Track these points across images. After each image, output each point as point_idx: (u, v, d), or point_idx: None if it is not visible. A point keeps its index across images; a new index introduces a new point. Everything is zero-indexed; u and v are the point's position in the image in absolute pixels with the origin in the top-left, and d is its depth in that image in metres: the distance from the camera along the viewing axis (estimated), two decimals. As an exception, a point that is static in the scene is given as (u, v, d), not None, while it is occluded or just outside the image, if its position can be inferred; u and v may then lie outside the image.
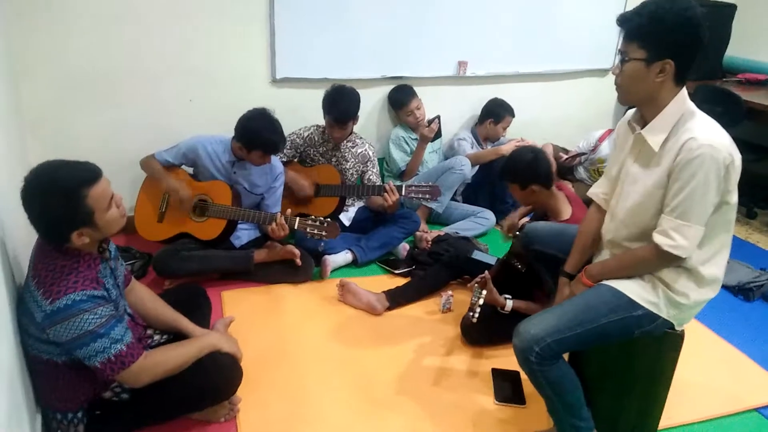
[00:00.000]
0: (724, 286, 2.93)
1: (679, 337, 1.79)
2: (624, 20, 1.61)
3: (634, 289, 1.71)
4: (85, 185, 1.51)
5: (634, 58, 1.60)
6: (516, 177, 2.41)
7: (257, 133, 2.64)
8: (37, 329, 1.55)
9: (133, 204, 2.88)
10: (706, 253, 1.67)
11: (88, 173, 1.54)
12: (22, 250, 1.88)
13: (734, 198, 1.63)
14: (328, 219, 2.60)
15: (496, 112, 3.70)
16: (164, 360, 1.70)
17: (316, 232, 2.58)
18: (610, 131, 3.75)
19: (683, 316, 1.74)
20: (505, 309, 2.30)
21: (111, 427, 1.77)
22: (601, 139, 3.77)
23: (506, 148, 3.52)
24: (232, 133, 2.77)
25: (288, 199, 3.06)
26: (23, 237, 1.95)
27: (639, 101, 1.69)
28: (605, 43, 4.01)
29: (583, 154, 3.78)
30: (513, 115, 3.71)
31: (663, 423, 1.96)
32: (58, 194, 1.49)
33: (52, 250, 1.57)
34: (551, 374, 1.71)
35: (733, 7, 4.19)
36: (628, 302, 1.70)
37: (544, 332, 1.67)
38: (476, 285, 2.30)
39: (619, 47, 1.66)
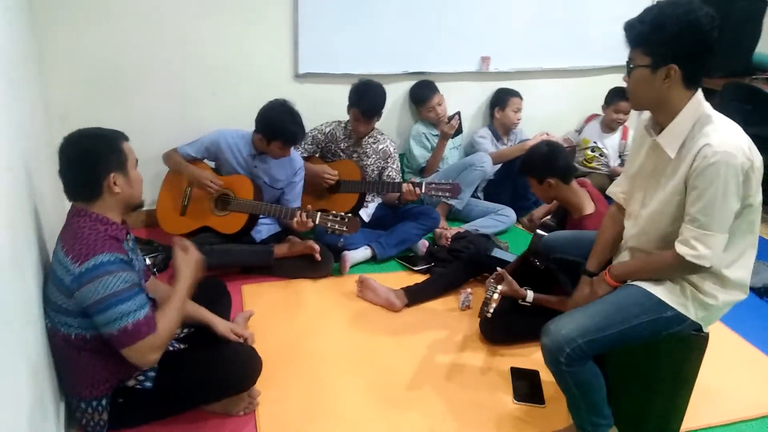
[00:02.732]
0: (750, 288, 2.87)
1: (704, 339, 1.76)
2: (628, 27, 1.60)
3: (663, 290, 1.69)
4: (122, 138, 1.74)
5: (639, 65, 1.59)
6: (533, 170, 2.40)
7: (277, 123, 2.66)
8: (67, 298, 1.59)
9: (155, 198, 2.91)
10: (730, 256, 1.65)
11: (122, 132, 1.76)
12: (50, 237, 1.92)
13: (758, 199, 1.61)
14: (349, 214, 2.60)
15: (499, 99, 3.71)
16: (166, 328, 1.67)
17: (336, 227, 2.58)
18: (595, 116, 3.94)
19: (711, 317, 1.72)
20: (526, 300, 2.28)
21: (133, 416, 1.80)
22: (586, 121, 3.96)
23: (531, 144, 3.48)
24: (254, 128, 2.79)
25: (309, 195, 3.07)
26: (53, 225, 1.99)
27: (650, 107, 1.68)
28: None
29: (574, 146, 3.88)
30: (519, 96, 3.69)
31: (685, 425, 1.93)
32: (101, 137, 1.69)
33: (79, 220, 1.63)
34: (579, 375, 1.70)
35: (764, 4, 4.08)
36: (658, 303, 1.68)
37: (576, 332, 1.65)
38: (491, 280, 2.29)
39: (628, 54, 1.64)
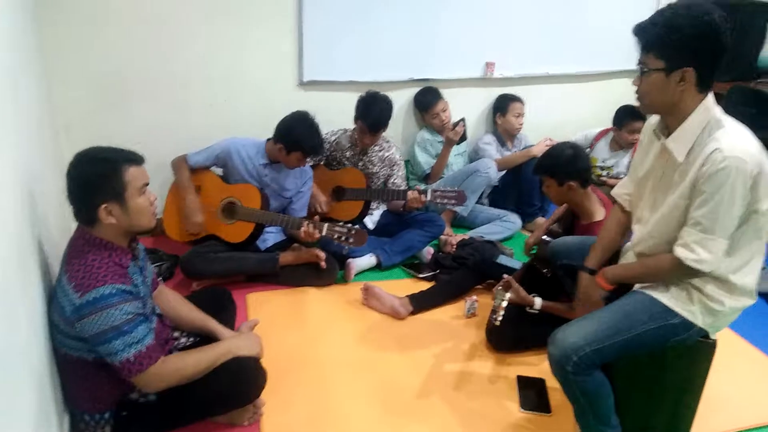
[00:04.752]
0: (758, 294, 2.84)
1: (712, 347, 1.74)
2: (640, 30, 1.57)
3: (669, 297, 1.68)
4: (127, 162, 1.62)
5: (653, 69, 1.56)
6: (555, 172, 2.38)
7: (301, 135, 2.69)
8: (66, 324, 1.59)
9: (163, 204, 2.92)
10: (737, 261, 1.63)
11: (132, 154, 1.66)
12: (54, 251, 1.92)
13: (765, 205, 1.58)
14: (356, 227, 2.60)
15: (500, 105, 3.70)
16: (180, 367, 1.70)
17: (343, 239, 2.58)
18: (607, 130, 3.70)
19: (718, 324, 1.70)
20: (534, 307, 2.27)
21: (137, 429, 1.79)
22: (597, 138, 3.74)
23: (537, 150, 3.47)
24: (261, 136, 2.79)
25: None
26: (57, 238, 2.00)
27: (661, 111, 1.66)
28: (637, 44, 3.92)
29: None
30: (520, 101, 3.66)
31: (693, 433, 1.92)
32: (100, 161, 1.61)
33: (84, 244, 1.62)
34: (587, 384, 1.69)
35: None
36: (664, 310, 1.67)
37: (583, 341, 1.64)
38: (499, 288, 2.28)
39: (638, 58, 1.61)
